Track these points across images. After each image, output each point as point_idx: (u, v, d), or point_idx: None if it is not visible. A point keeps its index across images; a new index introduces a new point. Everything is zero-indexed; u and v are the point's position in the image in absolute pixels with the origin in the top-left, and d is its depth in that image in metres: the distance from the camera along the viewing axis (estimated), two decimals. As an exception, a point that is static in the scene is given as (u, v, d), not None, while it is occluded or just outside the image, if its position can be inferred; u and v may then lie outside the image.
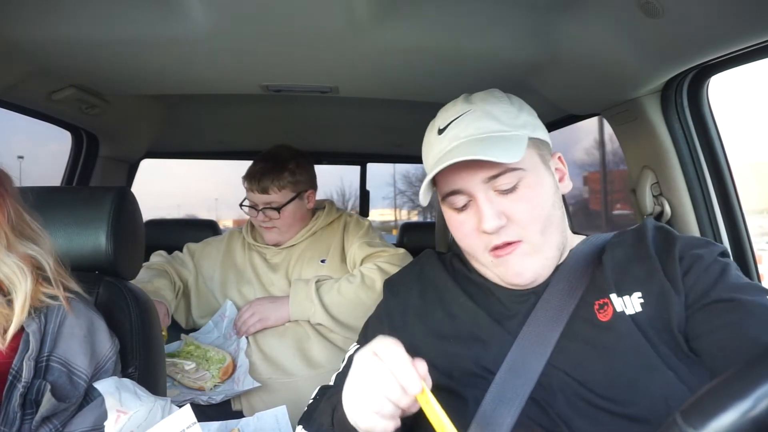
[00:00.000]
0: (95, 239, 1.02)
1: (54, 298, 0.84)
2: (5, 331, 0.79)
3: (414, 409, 0.63)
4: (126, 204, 1.07)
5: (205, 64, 1.31)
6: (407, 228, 3.00)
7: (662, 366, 0.70)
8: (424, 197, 0.82)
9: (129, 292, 1.05)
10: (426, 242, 1.69)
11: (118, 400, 0.77)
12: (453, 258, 0.97)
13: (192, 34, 1.12)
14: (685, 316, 0.72)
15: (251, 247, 1.67)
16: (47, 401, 0.75)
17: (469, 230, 0.83)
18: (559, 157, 0.89)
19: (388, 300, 0.96)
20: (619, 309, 0.75)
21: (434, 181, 0.85)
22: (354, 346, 0.96)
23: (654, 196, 1.33)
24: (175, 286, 1.58)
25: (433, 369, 0.65)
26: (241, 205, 1.64)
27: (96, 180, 2.05)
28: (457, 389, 0.78)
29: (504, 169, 0.78)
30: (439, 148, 0.84)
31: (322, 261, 1.60)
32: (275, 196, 1.56)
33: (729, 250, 0.80)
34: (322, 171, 1.76)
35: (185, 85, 1.52)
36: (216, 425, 1.26)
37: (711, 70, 1.15)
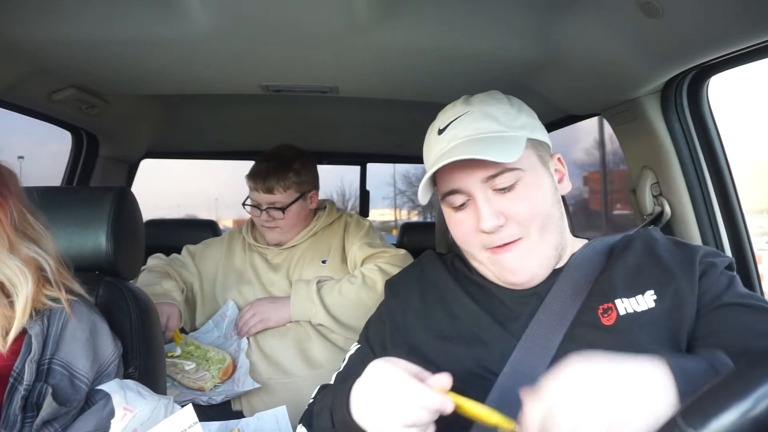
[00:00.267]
0: (95, 239, 1.02)
1: (56, 300, 0.84)
2: (7, 334, 0.78)
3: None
4: (126, 204, 1.07)
5: (205, 64, 1.31)
6: (407, 228, 3.00)
7: None
8: (423, 196, 0.83)
9: (129, 293, 1.05)
10: (426, 242, 1.69)
11: (123, 398, 0.77)
12: (454, 259, 0.97)
13: (192, 34, 1.12)
14: (695, 317, 0.73)
15: (252, 247, 1.67)
16: (48, 405, 0.75)
17: (467, 229, 0.83)
18: (559, 158, 0.90)
19: (389, 300, 0.96)
20: (623, 312, 0.75)
21: (435, 181, 0.86)
22: (355, 346, 0.96)
23: (654, 196, 1.33)
24: (181, 289, 1.57)
25: (434, 369, 0.65)
26: (243, 204, 1.64)
27: (96, 180, 2.05)
28: (458, 390, 0.78)
29: (502, 169, 0.79)
30: (438, 148, 0.84)
31: (323, 262, 1.60)
32: (280, 196, 1.55)
33: (734, 262, 0.83)
34: (322, 171, 1.76)
35: (185, 85, 1.52)
36: (216, 425, 1.26)
37: (711, 70, 1.15)
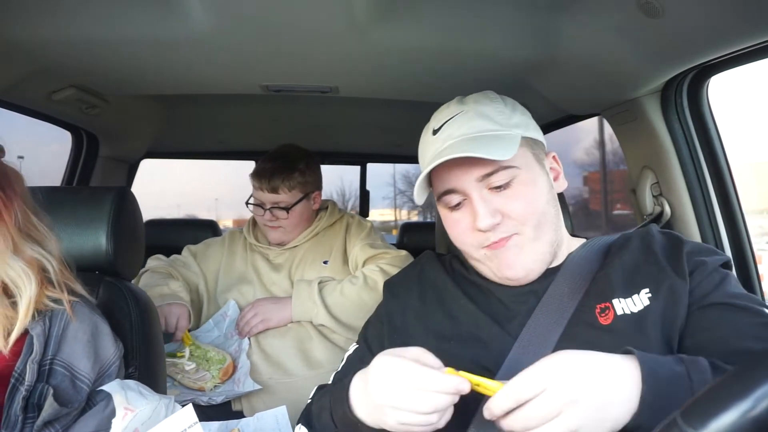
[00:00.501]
0: (95, 239, 1.02)
1: (57, 301, 0.84)
2: (8, 334, 0.78)
3: None
4: (126, 204, 1.07)
5: (205, 64, 1.31)
6: (407, 228, 3.00)
7: None
8: (418, 196, 0.84)
9: (129, 293, 1.05)
10: (426, 242, 1.69)
11: (124, 398, 0.77)
12: (453, 259, 0.97)
13: (192, 34, 1.12)
14: (686, 314, 0.74)
15: (253, 248, 1.67)
16: (49, 405, 0.75)
17: (464, 228, 0.84)
18: (554, 157, 0.90)
19: (388, 301, 0.96)
20: (620, 312, 0.75)
21: (431, 182, 0.86)
22: (353, 347, 0.96)
23: (654, 196, 1.33)
24: (187, 290, 1.56)
25: None
26: (247, 203, 1.63)
27: (96, 180, 2.05)
28: None
29: (497, 167, 0.79)
30: (433, 148, 0.85)
31: (325, 262, 1.60)
32: (284, 196, 1.55)
33: (732, 260, 0.82)
34: (322, 171, 1.76)
35: (185, 85, 1.52)
36: (216, 425, 1.26)
37: (711, 70, 1.15)
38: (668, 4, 0.89)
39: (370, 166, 3.18)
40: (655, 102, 1.26)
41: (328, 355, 1.49)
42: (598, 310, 0.77)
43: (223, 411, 1.43)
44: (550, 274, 0.84)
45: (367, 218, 2.76)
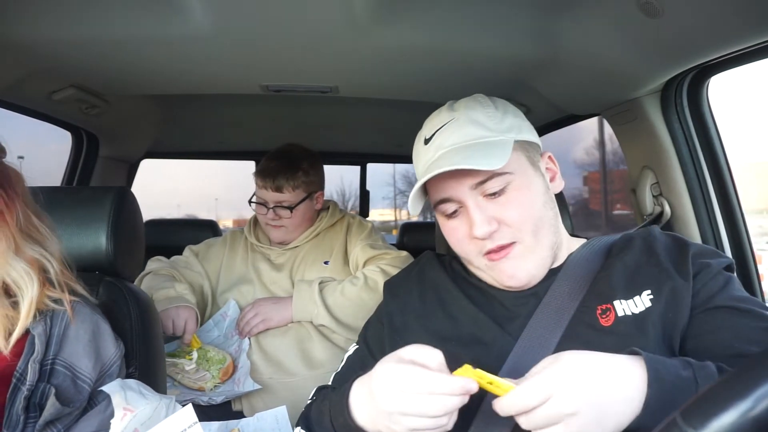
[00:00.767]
0: (95, 239, 1.02)
1: (58, 302, 0.84)
2: (10, 334, 0.78)
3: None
4: (126, 204, 1.07)
5: (205, 64, 1.31)
6: (407, 228, 3.00)
7: None
8: (413, 207, 0.84)
9: (129, 293, 1.05)
10: (426, 242, 1.69)
11: (123, 398, 0.77)
12: (452, 260, 0.97)
13: (192, 34, 1.12)
14: (689, 316, 0.73)
15: (254, 248, 1.67)
16: (51, 405, 0.75)
17: (461, 236, 0.84)
18: (549, 157, 0.89)
19: (387, 302, 0.96)
20: (621, 314, 0.75)
21: (426, 190, 0.86)
22: (353, 347, 0.96)
23: (654, 196, 1.33)
24: (192, 291, 1.56)
25: None
26: (250, 201, 1.63)
27: (96, 180, 2.05)
28: None
29: (490, 174, 0.79)
30: (426, 158, 0.85)
31: (325, 263, 1.60)
32: (288, 196, 1.55)
33: (734, 263, 0.82)
34: (323, 171, 1.76)
35: (185, 85, 1.52)
36: (216, 425, 1.26)
37: (711, 70, 1.15)
38: (668, 4, 0.89)
39: (370, 166, 3.18)
40: (655, 102, 1.26)
41: (328, 355, 1.49)
42: (599, 312, 0.77)
43: (223, 411, 1.43)
44: (550, 275, 0.84)
45: (367, 218, 2.76)
